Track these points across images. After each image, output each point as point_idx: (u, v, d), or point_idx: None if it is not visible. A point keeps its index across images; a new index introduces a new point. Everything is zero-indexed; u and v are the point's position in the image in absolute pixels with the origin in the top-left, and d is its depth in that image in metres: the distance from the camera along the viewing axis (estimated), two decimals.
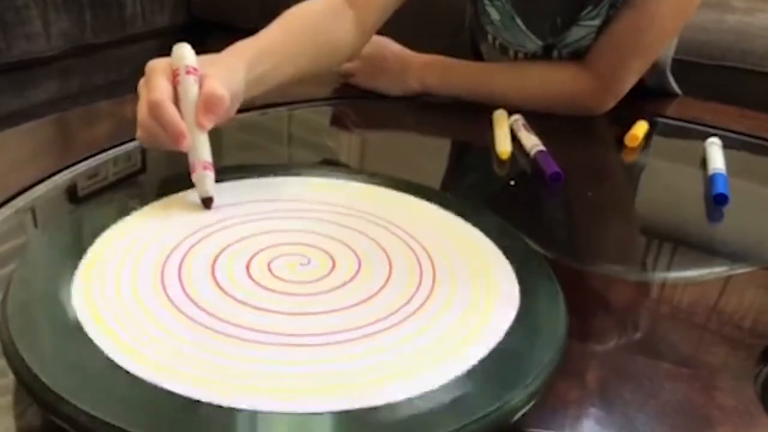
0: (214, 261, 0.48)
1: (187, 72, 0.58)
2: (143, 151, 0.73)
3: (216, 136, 0.83)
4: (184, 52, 0.59)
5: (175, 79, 0.58)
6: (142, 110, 0.57)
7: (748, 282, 0.60)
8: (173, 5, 1.98)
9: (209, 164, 0.57)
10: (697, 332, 0.52)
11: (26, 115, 0.87)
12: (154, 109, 0.56)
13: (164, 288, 0.45)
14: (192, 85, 0.58)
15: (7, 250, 0.56)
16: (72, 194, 0.65)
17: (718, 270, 0.62)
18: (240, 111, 0.83)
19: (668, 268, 0.63)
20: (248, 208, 0.56)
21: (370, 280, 0.48)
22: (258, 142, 0.84)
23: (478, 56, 1.05)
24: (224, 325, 0.42)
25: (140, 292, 0.44)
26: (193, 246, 0.50)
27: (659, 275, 0.61)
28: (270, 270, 0.48)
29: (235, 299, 0.45)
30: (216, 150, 0.81)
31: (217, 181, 0.57)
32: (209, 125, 0.58)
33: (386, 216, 0.56)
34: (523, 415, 0.39)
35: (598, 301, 0.55)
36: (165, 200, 0.56)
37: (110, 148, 0.71)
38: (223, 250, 0.50)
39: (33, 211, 0.61)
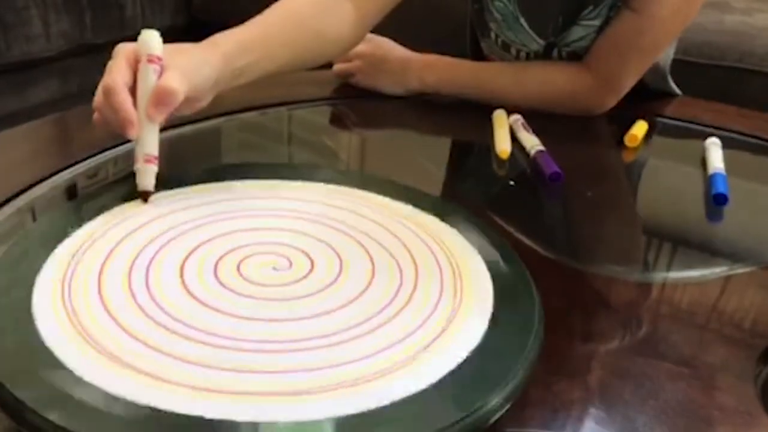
0: (183, 262, 0.48)
1: (149, 60, 0.57)
2: None
3: (216, 136, 0.83)
4: (148, 39, 0.58)
5: (137, 65, 0.57)
6: (98, 93, 0.57)
7: (748, 282, 0.60)
8: (173, 6, 1.98)
9: (153, 158, 0.57)
10: (698, 332, 0.52)
11: (26, 116, 0.87)
12: (107, 93, 0.55)
13: (131, 290, 0.45)
14: (150, 74, 0.57)
15: None
16: (72, 194, 0.65)
17: (718, 270, 0.62)
18: (240, 111, 0.84)
19: (668, 268, 0.63)
20: (217, 207, 0.56)
21: (350, 284, 0.47)
22: (258, 142, 0.84)
23: (476, 53, 1.05)
24: (188, 330, 0.42)
25: (108, 296, 0.44)
26: (162, 246, 0.49)
27: (659, 275, 0.61)
28: (240, 273, 0.48)
29: (204, 304, 0.44)
30: (216, 150, 0.81)
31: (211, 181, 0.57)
32: (159, 118, 0.57)
33: (364, 221, 0.56)
34: (509, 417, 0.39)
35: (598, 301, 0.55)
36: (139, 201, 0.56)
37: (110, 148, 0.71)
38: (194, 250, 0.49)
39: (33, 210, 0.61)
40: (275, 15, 0.72)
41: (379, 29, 0.86)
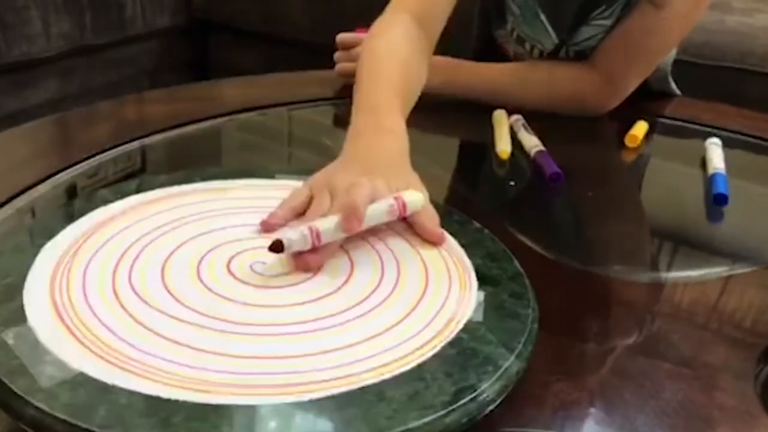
0: (167, 258, 0.48)
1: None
2: (143, 152, 0.73)
3: (216, 137, 0.83)
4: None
5: None
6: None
7: (748, 282, 0.60)
8: (173, 6, 1.98)
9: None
10: (697, 332, 0.52)
11: (26, 116, 0.87)
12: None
13: (131, 283, 0.45)
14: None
15: None
16: (72, 194, 0.65)
17: (718, 270, 0.62)
18: (240, 111, 0.84)
19: (668, 268, 0.63)
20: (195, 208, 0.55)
21: (332, 276, 0.47)
22: (258, 142, 0.84)
23: (481, 49, 1.05)
24: (192, 314, 0.42)
25: (90, 292, 0.44)
26: (147, 245, 0.49)
27: (659, 275, 0.61)
28: (252, 270, 0.48)
29: (213, 291, 0.45)
30: (217, 151, 0.81)
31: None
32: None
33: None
34: (509, 416, 0.39)
35: (599, 301, 0.55)
36: (132, 198, 0.56)
37: (110, 149, 0.71)
38: (178, 248, 0.49)
39: (33, 211, 0.61)
40: (400, 69, 0.71)
41: None
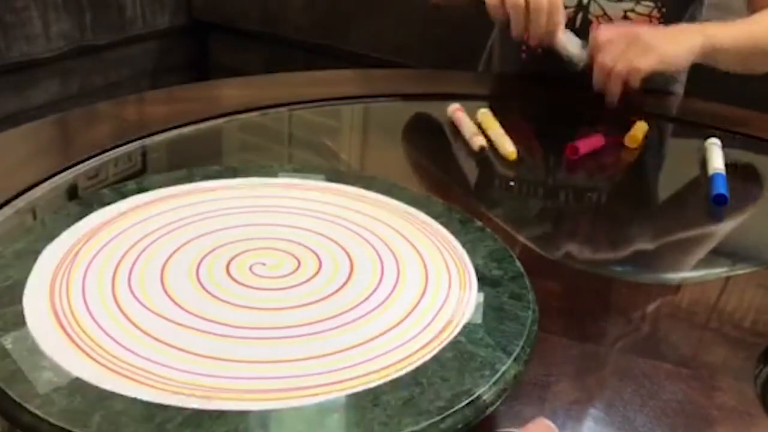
0: (167, 259, 0.48)
1: None
2: (144, 152, 0.73)
3: (216, 137, 0.84)
4: None
5: None
6: None
7: (748, 282, 0.60)
8: (173, 7, 1.98)
9: None
10: (697, 332, 0.52)
11: (26, 116, 0.87)
12: None
13: (130, 287, 0.45)
14: None
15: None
16: (72, 195, 0.65)
17: (718, 270, 0.62)
18: (241, 112, 0.84)
19: (668, 268, 0.63)
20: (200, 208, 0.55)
21: (332, 277, 0.47)
22: (258, 143, 0.84)
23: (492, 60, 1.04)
24: (198, 321, 0.42)
25: (89, 299, 0.44)
26: (147, 247, 0.49)
27: (660, 275, 0.61)
28: (252, 271, 0.48)
29: (216, 297, 0.45)
30: (216, 150, 0.81)
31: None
32: None
33: (345, 215, 0.55)
34: (508, 417, 0.39)
35: (598, 301, 0.56)
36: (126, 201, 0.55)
37: (110, 149, 0.71)
38: (177, 250, 0.49)
39: (34, 211, 0.61)
40: None
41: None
